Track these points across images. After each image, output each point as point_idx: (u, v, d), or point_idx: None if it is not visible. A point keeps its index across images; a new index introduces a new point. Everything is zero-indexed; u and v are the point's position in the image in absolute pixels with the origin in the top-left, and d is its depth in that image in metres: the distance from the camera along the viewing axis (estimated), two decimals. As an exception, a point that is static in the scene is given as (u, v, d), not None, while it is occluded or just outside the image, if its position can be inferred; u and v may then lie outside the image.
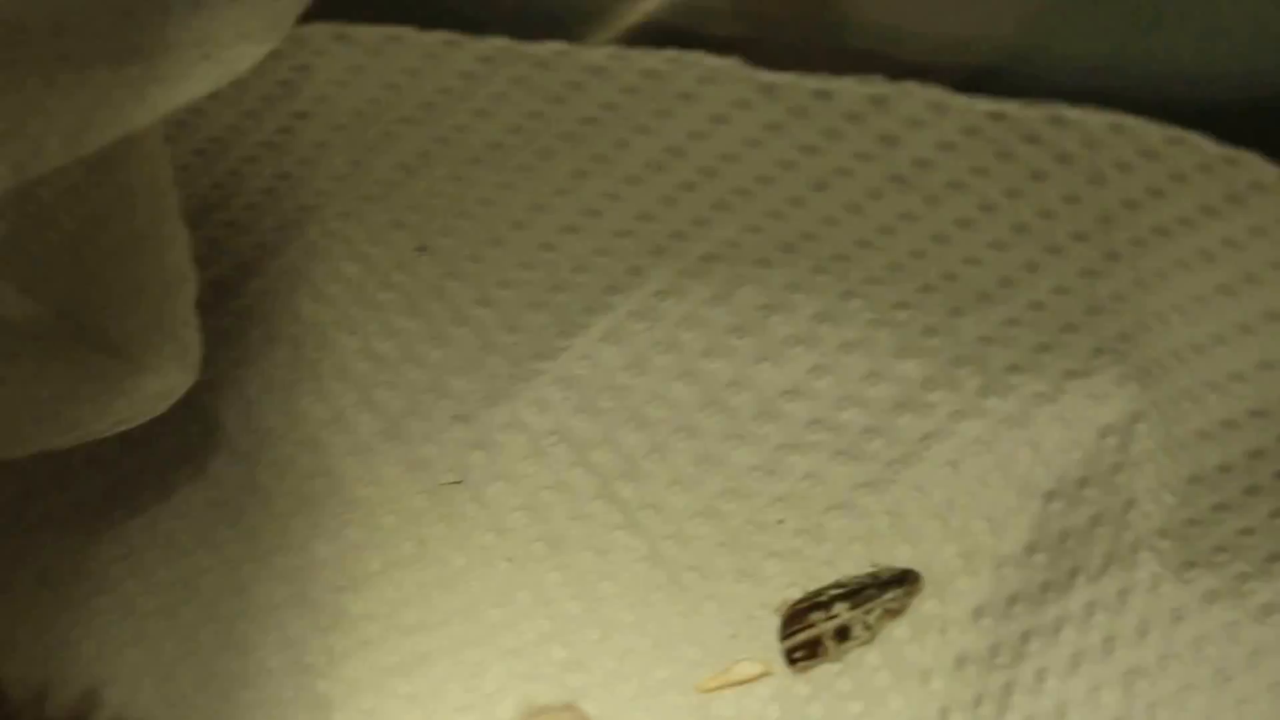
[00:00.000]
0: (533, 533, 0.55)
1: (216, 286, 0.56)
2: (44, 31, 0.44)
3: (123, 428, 0.52)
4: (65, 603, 0.56)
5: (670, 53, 0.48)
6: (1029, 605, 0.50)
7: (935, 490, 0.52)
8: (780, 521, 0.53)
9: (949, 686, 0.49)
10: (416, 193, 0.54)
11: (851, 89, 0.47)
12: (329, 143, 0.54)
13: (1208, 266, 0.45)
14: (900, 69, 0.46)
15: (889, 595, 0.51)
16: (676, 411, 0.54)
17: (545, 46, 0.49)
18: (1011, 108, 0.45)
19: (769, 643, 0.52)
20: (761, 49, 0.48)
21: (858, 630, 0.51)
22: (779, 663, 0.52)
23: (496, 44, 0.50)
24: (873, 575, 0.52)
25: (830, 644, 0.51)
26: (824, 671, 0.51)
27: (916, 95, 0.46)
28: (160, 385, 0.51)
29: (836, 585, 0.52)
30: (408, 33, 0.50)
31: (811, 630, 0.51)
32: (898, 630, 0.51)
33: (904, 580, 0.51)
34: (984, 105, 0.45)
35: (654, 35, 0.49)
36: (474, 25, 0.50)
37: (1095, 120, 0.44)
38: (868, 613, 0.51)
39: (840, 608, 0.51)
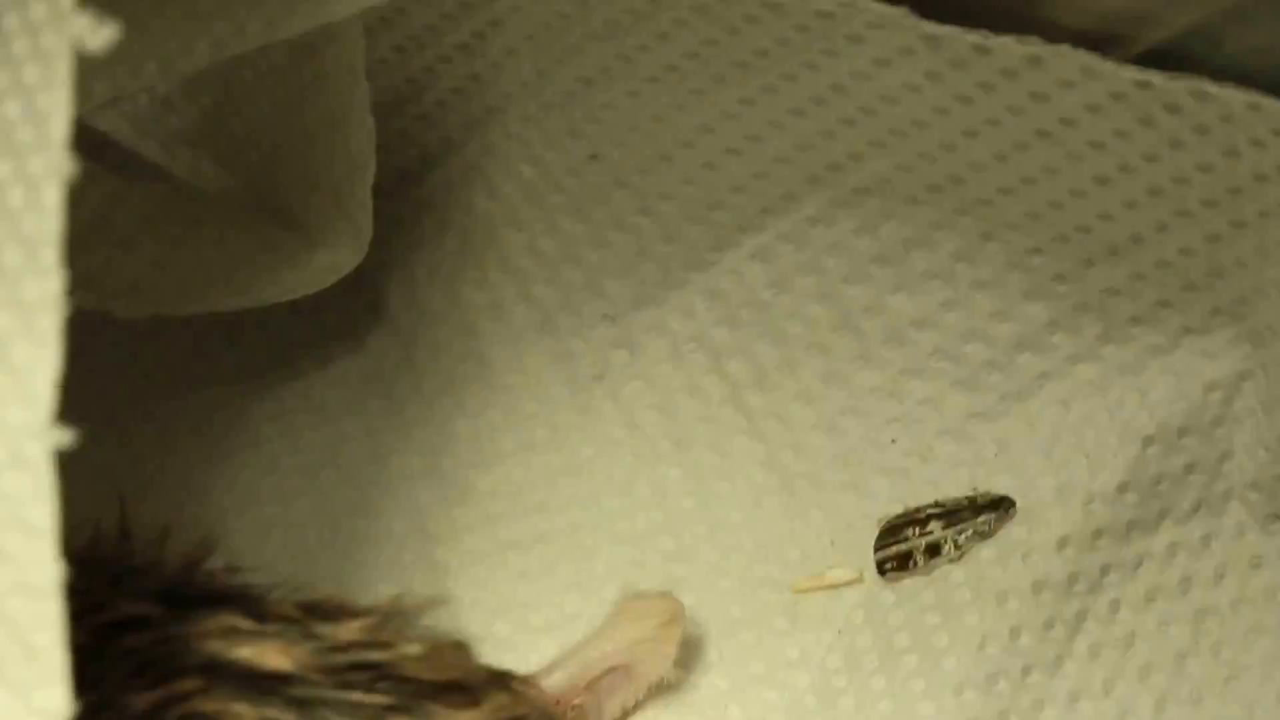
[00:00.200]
0: (660, 430, 0.56)
1: (401, 175, 0.58)
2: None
3: (291, 297, 0.54)
4: (214, 454, 0.57)
5: (844, -3, 0.49)
6: (1113, 540, 0.50)
7: (1043, 426, 0.52)
8: (893, 441, 0.54)
9: (1023, 609, 0.50)
10: (594, 105, 0.54)
11: (1009, 47, 0.47)
12: (518, 50, 0.55)
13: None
14: (1060, 34, 0.47)
15: (981, 519, 0.52)
16: (811, 330, 0.55)
17: (727, -19, 0.50)
18: (1157, 78, 0.46)
19: (864, 552, 0.53)
20: (928, 1, 0.49)
21: (947, 548, 0.52)
22: (870, 572, 0.53)
23: (683, -26, 0.51)
24: (970, 499, 0.52)
25: (920, 559, 0.52)
26: (910, 583, 0.52)
27: (1069, 58, 0.46)
28: (331, 261, 0.53)
29: (935, 505, 0.53)
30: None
31: (905, 544, 0.52)
32: (984, 552, 0.52)
33: (999, 506, 0.52)
34: (1131, 74, 0.46)
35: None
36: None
37: (1234, 97, 0.45)
38: (960, 533, 0.52)
39: (935, 526, 0.52)
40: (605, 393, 0.57)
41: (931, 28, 0.48)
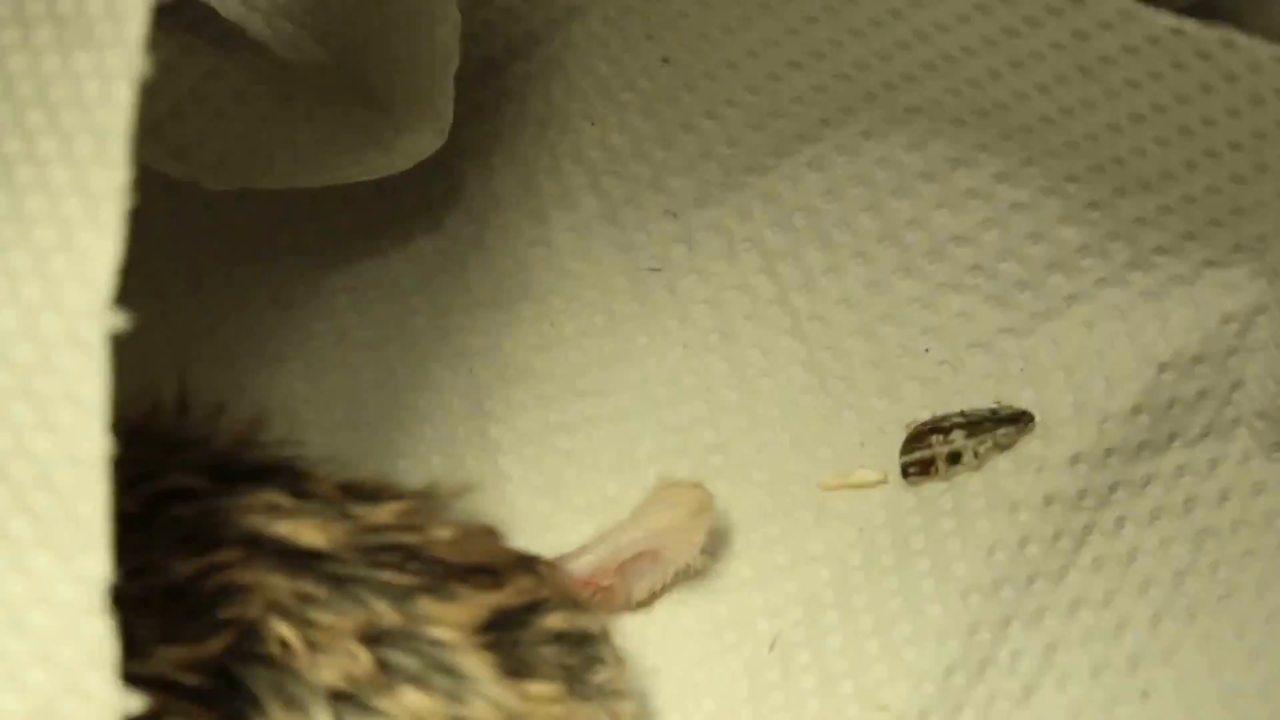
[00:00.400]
0: (710, 324, 0.57)
1: (486, 64, 0.58)
2: None
3: (374, 176, 0.55)
4: (289, 321, 0.58)
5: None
6: (1123, 459, 0.52)
7: (1068, 345, 0.53)
8: (927, 350, 0.55)
9: (1033, 520, 0.51)
10: (669, 11, 0.55)
11: (1056, -14, 0.47)
12: (601, -45, 0.56)
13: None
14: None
15: (1002, 431, 0.53)
16: (858, 238, 0.56)
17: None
18: (1190, 25, 0.46)
19: (890, 455, 0.54)
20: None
21: (968, 458, 0.53)
22: (895, 474, 0.54)
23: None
24: (993, 411, 0.53)
25: (941, 465, 0.53)
26: (931, 488, 0.53)
27: (1110, 2, 0.47)
28: (413, 143, 0.54)
29: (960, 414, 0.54)
30: None
31: (928, 450, 0.53)
32: (1001, 463, 0.53)
33: (1019, 420, 0.53)
34: (1166, 20, 0.47)
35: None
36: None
37: (1262, 49, 0.46)
38: (980, 443, 0.53)
39: (958, 435, 0.53)
40: (662, 284, 0.58)
41: (984, -35, 0.49)
